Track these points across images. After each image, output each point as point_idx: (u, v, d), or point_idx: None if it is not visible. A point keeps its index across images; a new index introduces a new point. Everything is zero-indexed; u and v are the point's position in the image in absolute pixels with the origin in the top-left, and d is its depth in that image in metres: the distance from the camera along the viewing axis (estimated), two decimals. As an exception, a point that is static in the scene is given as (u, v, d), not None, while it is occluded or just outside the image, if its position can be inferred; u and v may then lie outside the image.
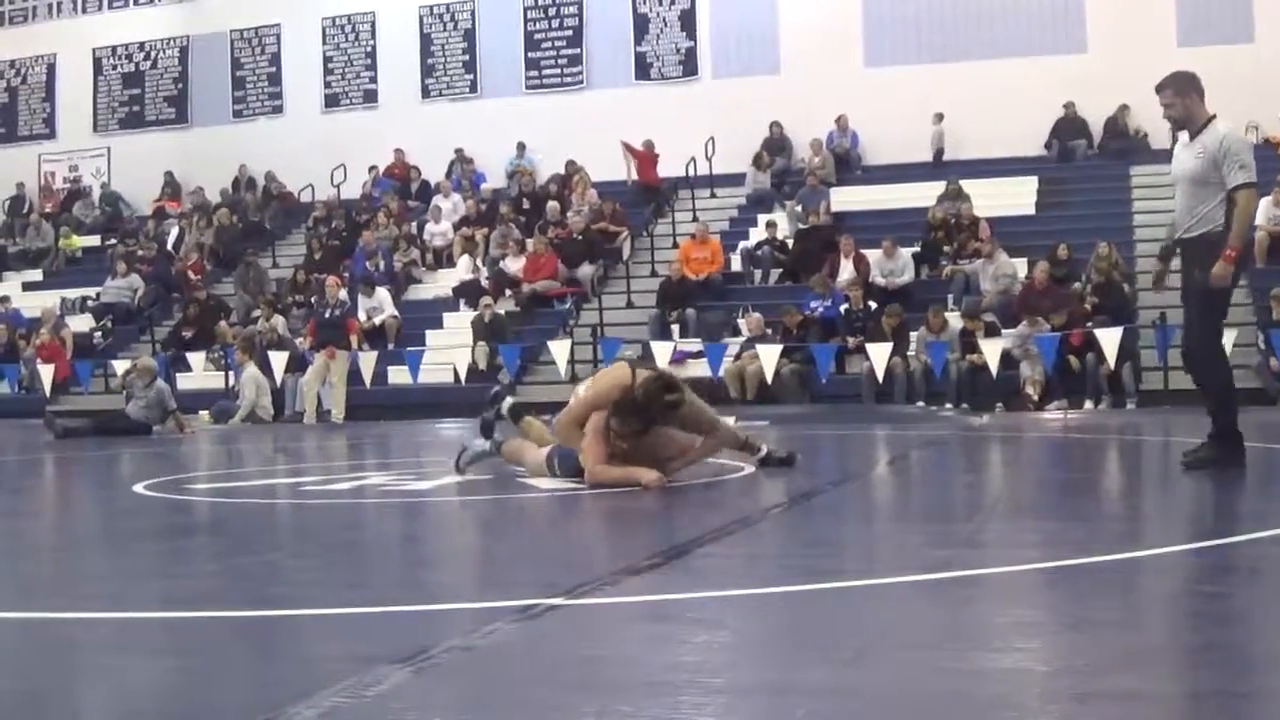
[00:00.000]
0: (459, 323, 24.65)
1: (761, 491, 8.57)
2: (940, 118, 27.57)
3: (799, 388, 20.97)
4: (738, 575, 5.19)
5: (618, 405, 8.35)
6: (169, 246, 30.74)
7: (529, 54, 31.21)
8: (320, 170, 30.84)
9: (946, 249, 23.74)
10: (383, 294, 25.27)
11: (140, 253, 29.84)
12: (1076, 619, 4.18)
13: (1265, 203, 22.45)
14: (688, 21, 30.05)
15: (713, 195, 28.09)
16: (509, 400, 9.86)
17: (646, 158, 28.54)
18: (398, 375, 23.33)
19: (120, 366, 23.34)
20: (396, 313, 25.06)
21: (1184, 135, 8.71)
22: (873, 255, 23.36)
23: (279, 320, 24.75)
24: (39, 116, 35.68)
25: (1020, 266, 22.33)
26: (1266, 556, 5.43)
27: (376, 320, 24.71)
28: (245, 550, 6.38)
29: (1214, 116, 8.54)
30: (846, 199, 26.56)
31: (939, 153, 27.66)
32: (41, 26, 35.55)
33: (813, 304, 22.26)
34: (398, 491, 8.87)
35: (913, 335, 20.91)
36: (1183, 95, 8.52)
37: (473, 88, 31.72)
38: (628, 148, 28.43)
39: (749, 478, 9.24)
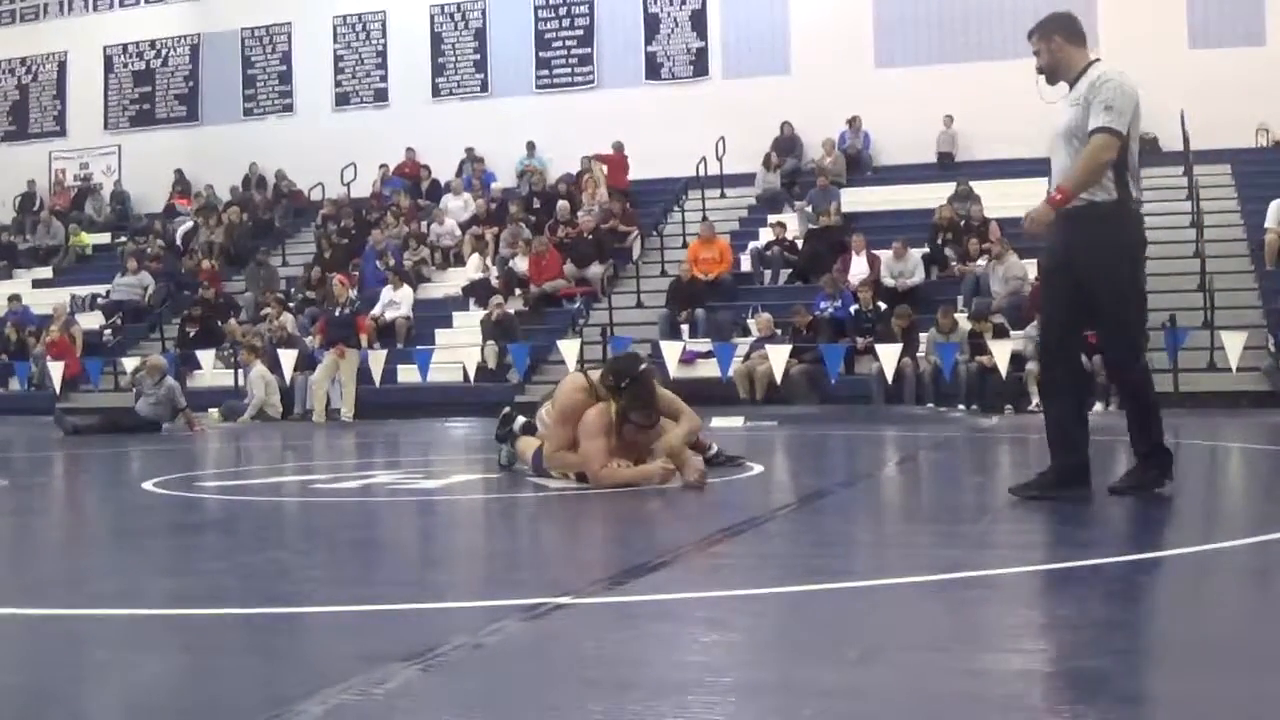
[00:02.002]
0: (469, 322, 24.68)
1: (770, 492, 8.56)
2: (950, 120, 27.56)
3: (808, 388, 20.97)
4: (746, 575, 5.18)
5: (630, 400, 8.35)
6: (179, 244, 30.78)
7: (539, 53, 31.23)
8: (330, 169, 30.92)
9: (949, 253, 23.71)
10: (406, 292, 25.34)
11: (150, 250, 29.90)
12: (1085, 620, 4.17)
13: (1276, 204, 22.41)
14: (698, 21, 30.07)
15: (723, 195, 28.10)
16: (520, 420, 9.79)
17: (617, 162, 28.55)
18: (407, 374, 23.35)
19: (130, 364, 23.38)
20: (410, 313, 25.10)
21: (1065, 89, 7.54)
22: (883, 256, 23.35)
23: (288, 318, 24.79)
24: (50, 114, 35.76)
25: (1030, 268, 22.28)
26: (1274, 558, 5.43)
27: (389, 316, 24.75)
28: (254, 548, 6.38)
29: (1095, 60, 7.47)
30: (857, 199, 26.55)
31: (943, 155, 27.62)
32: (52, 24, 35.63)
33: (822, 304, 22.25)
34: (406, 490, 8.88)
35: (922, 336, 20.90)
36: (1046, 40, 7.47)
37: (483, 87, 31.75)
38: (597, 159, 28.38)
39: (757, 478, 9.23)
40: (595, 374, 8.76)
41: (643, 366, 8.63)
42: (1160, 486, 7.34)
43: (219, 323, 26.08)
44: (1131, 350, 7.41)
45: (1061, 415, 7.36)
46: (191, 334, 25.91)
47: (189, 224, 31.38)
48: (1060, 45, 7.43)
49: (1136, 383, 7.41)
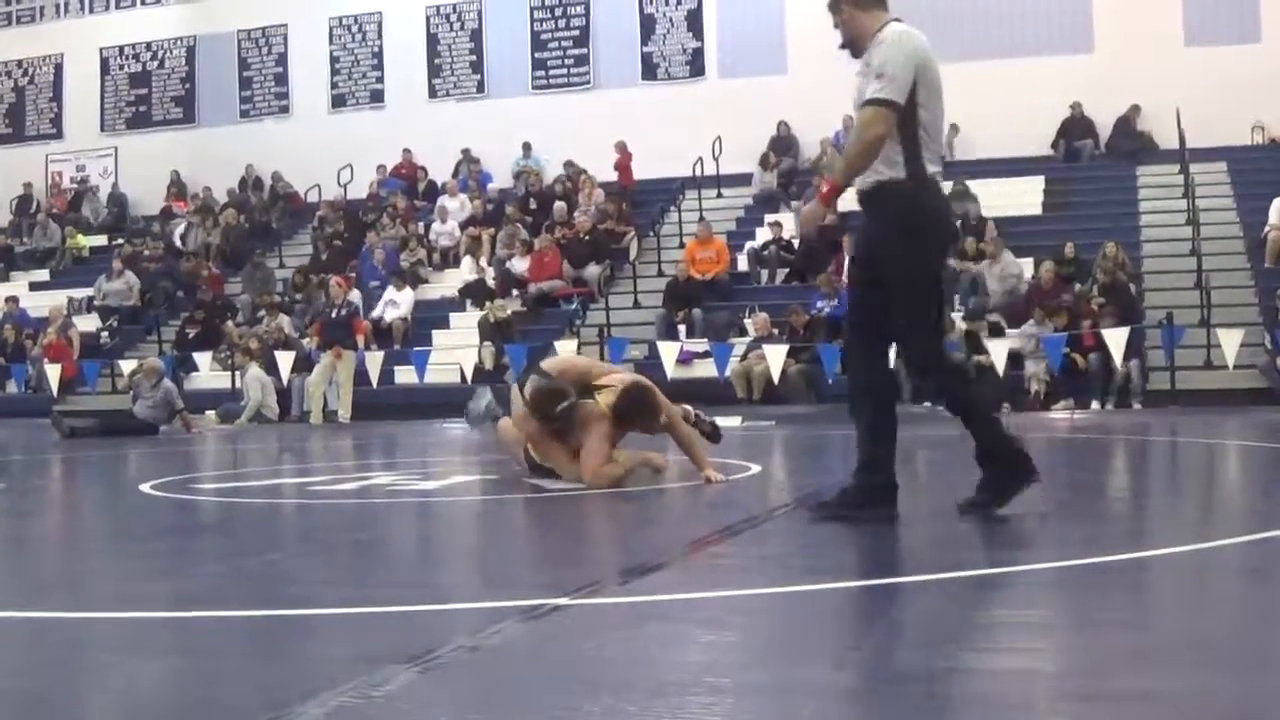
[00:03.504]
0: (466, 323, 24.69)
1: (768, 492, 8.57)
2: (955, 129, 27.58)
3: (806, 388, 20.97)
4: (744, 575, 5.18)
5: (621, 410, 8.42)
6: (176, 244, 30.78)
7: (535, 54, 31.23)
8: (327, 170, 30.92)
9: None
10: (408, 294, 25.37)
11: (147, 252, 29.91)
12: (1084, 619, 4.18)
13: (1278, 201, 22.43)
14: (694, 22, 30.07)
15: (719, 195, 28.09)
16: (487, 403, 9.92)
17: (622, 163, 28.63)
18: (404, 375, 23.36)
19: (127, 366, 23.38)
20: (408, 314, 25.12)
21: None
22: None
23: (285, 320, 24.79)
24: (46, 116, 35.75)
25: (1026, 267, 22.32)
26: (1272, 556, 5.43)
27: (388, 317, 24.77)
28: (251, 550, 6.38)
29: (890, 22, 6.65)
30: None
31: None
32: (48, 26, 35.63)
33: (819, 304, 22.25)
34: (404, 491, 8.87)
35: (919, 335, 20.87)
36: (837, 11, 6.68)
37: (479, 88, 31.75)
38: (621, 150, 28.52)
39: (755, 478, 9.23)
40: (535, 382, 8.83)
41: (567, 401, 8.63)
42: (1001, 502, 6.38)
43: (217, 320, 26.09)
44: (931, 345, 6.57)
45: (863, 428, 6.55)
46: (191, 336, 25.91)
47: (183, 225, 31.35)
48: (850, 13, 6.63)
49: (947, 384, 6.62)
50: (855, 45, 6.61)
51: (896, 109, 6.19)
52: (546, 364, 9.13)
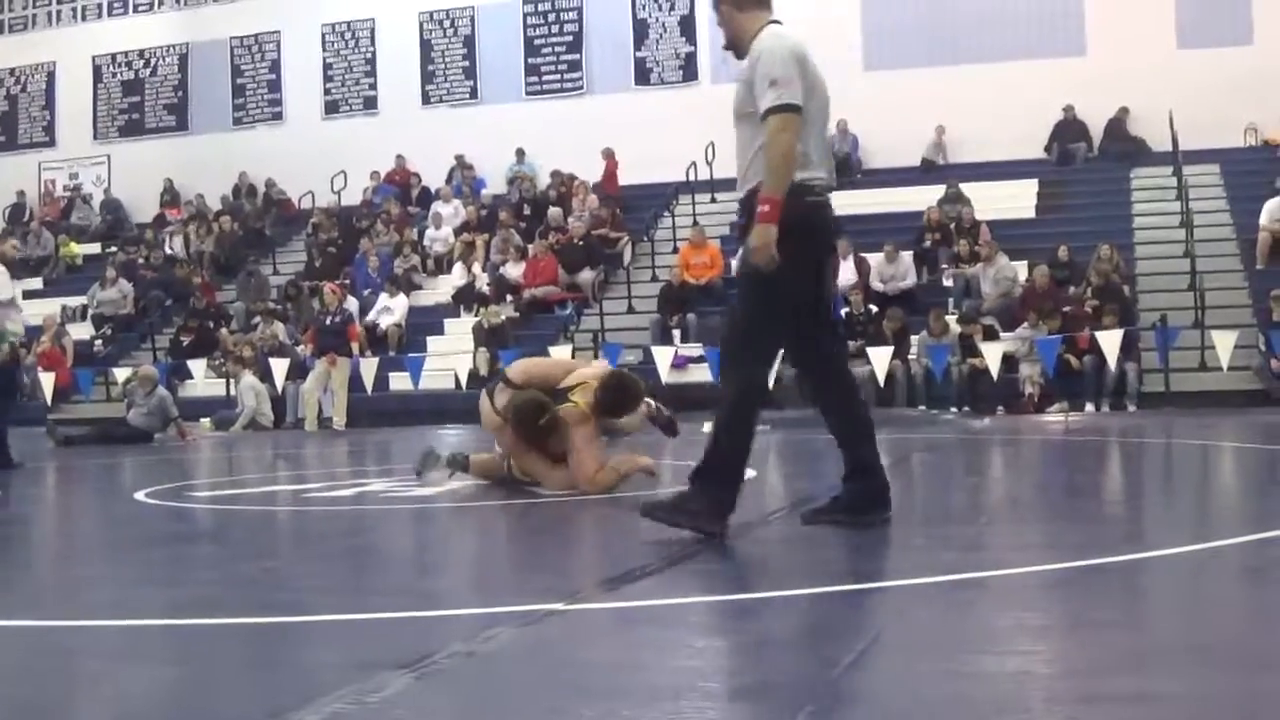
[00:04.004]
0: (460, 329, 24.66)
1: (763, 496, 8.56)
2: (941, 131, 27.60)
3: (800, 392, 20.93)
4: (739, 580, 5.19)
5: (606, 403, 8.43)
6: (168, 251, 30.76)
7: (529, 60, 31.23)
8: (320, 177, 30.89)
9: (930, 246, 23.78)
10: (402, 300, 25.38)
11: (141, 260, 29.89)
12: (1080, 621, 4.18)
13: (1271, 204, 22.46)
14: (687, 26, 30.07)
15: (713, 200, 28.03)
16: (443, 455, 9.72)
17: (611, 168, 28.66)
18: (399, 381, 23.32)
19: (121, 374, 23.35)
20: (403, 321, 25.12)
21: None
22: (873, 259, 23.35)
23: (280, 327, 24.79)
24: (39, 125, 35.72)
25: (1021, 269, 22.33)
26: (1268, 557, 5.43)
27: (382, 323, 24.77)
28: (247, 557, 6.37)
29: (768, 24, 6.40)
30: (846, 202, 26.46)
31: (928, 162, 27.62)
32: (41, 34, 35.60)
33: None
34: (399, 498, 8.86)
35: (914, 339, 20.91)
36: (717, 10, 6.59)
37: (473, 94, 31.74)
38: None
39: (750, 482, 9.23)
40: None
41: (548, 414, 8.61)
42: (709, 527, 5.91)
43: (211, 326, 26.08)
44: (733, 353, 6.21)
45: (840, 440, 6.42)
46: (186, 344, 25.90)
47: (175, 231, 31.34)
48: (729, 13, 6.50)
49: (726, 394, 6.11)
50: (736, 46, 6.50)
51: (798, 110, 6.04)
52: (511, 372, 9.06)
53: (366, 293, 26.14)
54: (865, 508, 6.27)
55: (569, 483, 8.39)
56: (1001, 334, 20.72)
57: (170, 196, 33.46)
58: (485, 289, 25.55)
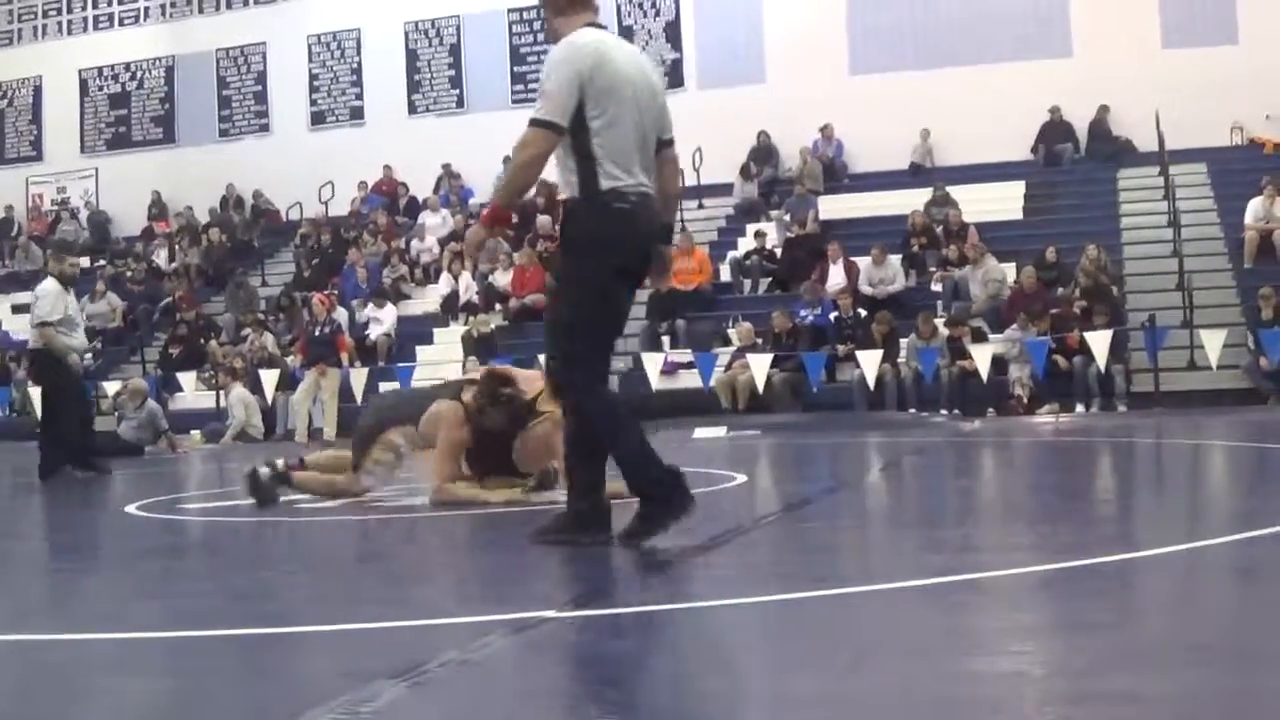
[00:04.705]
0: (449, 338, 24.65)
1: (755, 500, 8.57)
2: (926, 134, 27.61)
3: (790, 396, 20.98)
4: (732, 584, 5.19)
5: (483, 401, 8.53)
6: (154, 262, 30.73)
7: (515, 68, 31.23)
8: (308, 188, 30.88)
9: (916, 250, 23.81)
10: (390, 311, 25.37)
11: (129, 274, 29.85)
12: (1071, 621, 4.19)
13: (1256, 202, 22.52)
14: (673, 33, 30.10)
15: (700, 206, 28.08)
16: (265, 471, 9.13)
17: None
18: (389, 391, 23.32)
19: (111, 388, 23.32)
20: (392, 331, 25.12)
21: None
22: (862, 263, 23.37)
23: (269, 338, 24.77)
24: (26, 139, 35.68)
25: (1009, 271, 22.36)
26: (1258, 556, 5.44)
27: (371, 334, 24.76)
28: (239, 569, 6.37)
29: (581, 29, 6.14)
30: (834, 207, 26.57)
31: (915, 166, 27.63)
32: (27, 49, 35.55)
33: (802, 312, 22.27)
34: (390, 507, 8.85)
35: (903, 342, 20.92)
36: (543, 14, 6.36)
37: (459, 103, 31.74)
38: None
39: (741, 487, 9.23)
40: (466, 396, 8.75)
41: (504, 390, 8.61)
42: (649, 534, 5.89)
43: (200, 340, 26.05)
44: (571, 369, 6.08)
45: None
46: (175, 354, 25.88)
47: (160, 245, 31.32)
48: (550, 18, 6.27)
49: (585, 414, 6.03)
50: None
51: (556, 129, 5.90)
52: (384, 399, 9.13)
53: (355, 303, 26.14)
54: (584, 527, 6.03)
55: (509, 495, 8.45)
56: (990, 336, 20.75)
57: (158, 209, 33.43)
58: (474, 298, 25.54)
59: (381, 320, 25.17)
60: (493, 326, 24.01)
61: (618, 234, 5.95)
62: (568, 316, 6.07)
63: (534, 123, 5.93)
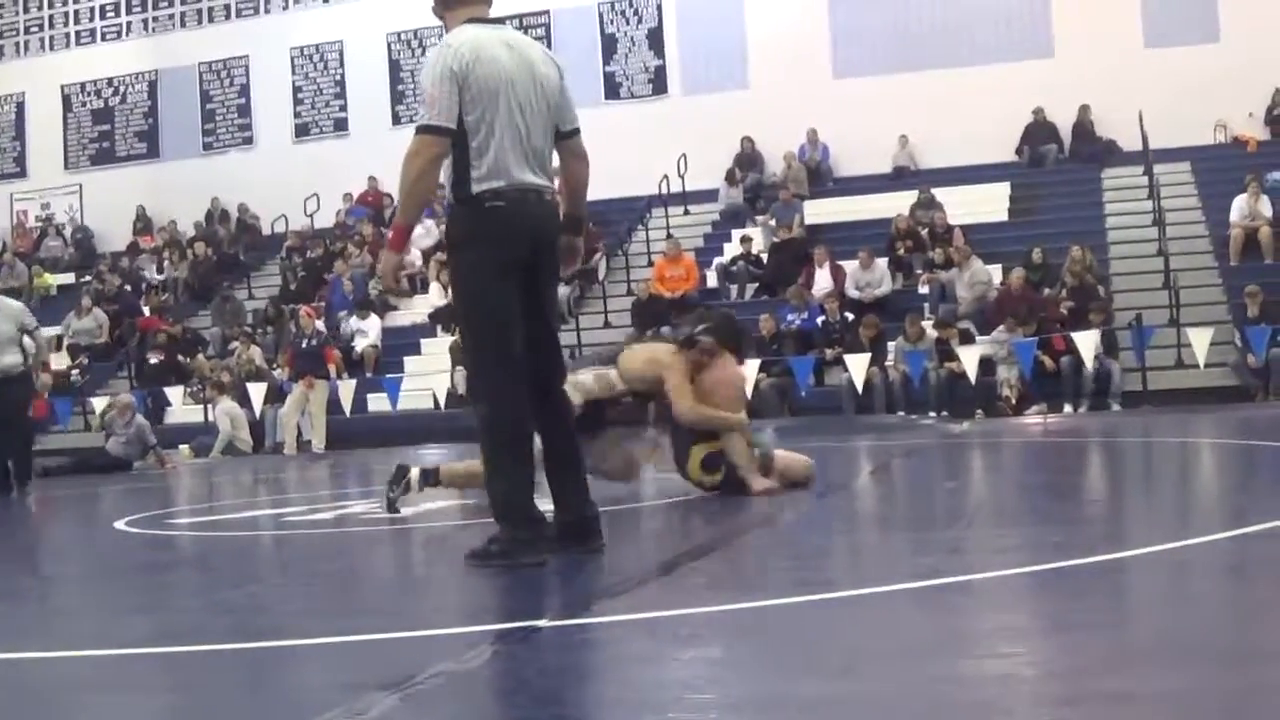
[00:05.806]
0: (437, 348, 24.63)
1: (746, 506, 8.56)
2: (905, 140, 27.62)
3: (778, 401, 20.98)
4: (725, 590, 5.18)
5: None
6: (142, 280, 30.68)
7: (498, 77, 31.18)
8: (293, 200, 30.84)
9: (903, 253, 23.82)
10: (375, 321, 25.37)
11: (109, 291, 29.79)
12: (1062, 622, 4.19)
13: (1240, 199, 22.58)
14: (655, 40, 30.10)
15: (686, 212, 28.09)
16: (415, 470, 9.06)
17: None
18: (377, 403, 23.30)
19: (99, 404, 23.28)
20: (377, 343, 25.10)
21: None
22: (848, 266, 23.38)
23: (256, 351, 24.74)
24: (9, 156, 35.60)
25: (995, 273, 22.39)
26: (1249, 554, 5.44)
27: (358, 345, 24.75)
28: (230, 583, 6.36)
29: (464, 24, 6.04)
30: (819, 211, 26.58)
31: (899, 169, 27.64)
32: (9, 65, 35.48)
33: (789, 317, 22.27)
34: (380, 519, 8.84)
35: (890, 345, 20.94)
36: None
37: (443, 113, 31.68)
38: None
39: (729, 491, 9.23)
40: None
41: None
42: (505, 559, 5.75)
43: (187, 359, 26.01)
44: (479, 379, 6.07)
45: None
46: (155, 363, 25.83)
47: (143, 265, 31.28)
48: (440, 13, 6.16)
49: (481, 421, 5.88)
50: None
51: (444, 132, 5.81)
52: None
53: (342, 315, 26.11)
54: (517, 553, 5.79)
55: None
56: (978, 338, 20.78)
57: (143, 224, 33.38)
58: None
59: (366, 331, 25.15)
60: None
61: (493, 232, 5.86)
62: (460, 314, 6.09)
63: (420, 129, 5.83)
